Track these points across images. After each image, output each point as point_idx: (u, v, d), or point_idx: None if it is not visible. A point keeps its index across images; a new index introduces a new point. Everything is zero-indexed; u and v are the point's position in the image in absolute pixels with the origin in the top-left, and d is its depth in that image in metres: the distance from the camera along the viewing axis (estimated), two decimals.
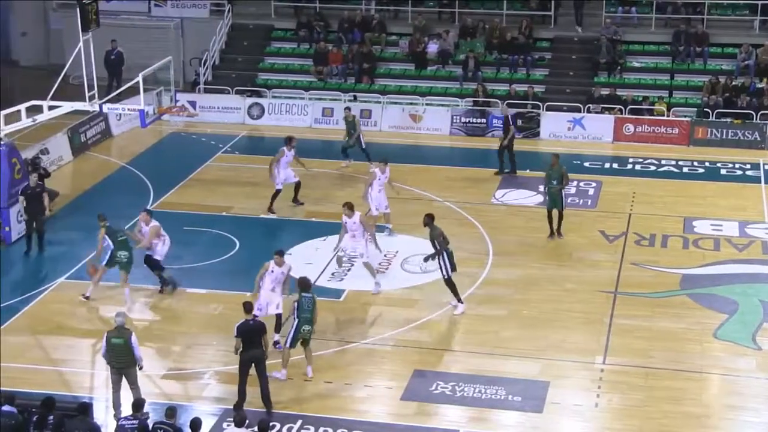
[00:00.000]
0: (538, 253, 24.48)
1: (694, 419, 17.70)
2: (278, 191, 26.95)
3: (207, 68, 37.33)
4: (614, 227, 26.00)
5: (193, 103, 35.32)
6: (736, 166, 30.84)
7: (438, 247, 21.38)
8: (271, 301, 19.95)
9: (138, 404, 15.91)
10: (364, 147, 30.16)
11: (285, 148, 26.98)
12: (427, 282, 22.90)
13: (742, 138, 32.62)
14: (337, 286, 22.72)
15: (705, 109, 33.84)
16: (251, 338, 17.56)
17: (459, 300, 21.50)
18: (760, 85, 34.29)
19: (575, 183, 29.00)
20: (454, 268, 21.40)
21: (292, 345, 18.66)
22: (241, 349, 17.57)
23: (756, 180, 29.78)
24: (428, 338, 20.67)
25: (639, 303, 22.03)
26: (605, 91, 34.99)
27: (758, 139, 32.60)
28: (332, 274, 23.29)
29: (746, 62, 34.92)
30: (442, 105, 35.05)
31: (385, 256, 24.04)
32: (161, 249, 22.20)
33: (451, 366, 19.58)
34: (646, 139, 33.10)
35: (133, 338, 17.50)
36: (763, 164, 30.97)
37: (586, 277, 23.24)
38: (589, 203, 27.90)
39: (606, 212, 27.20)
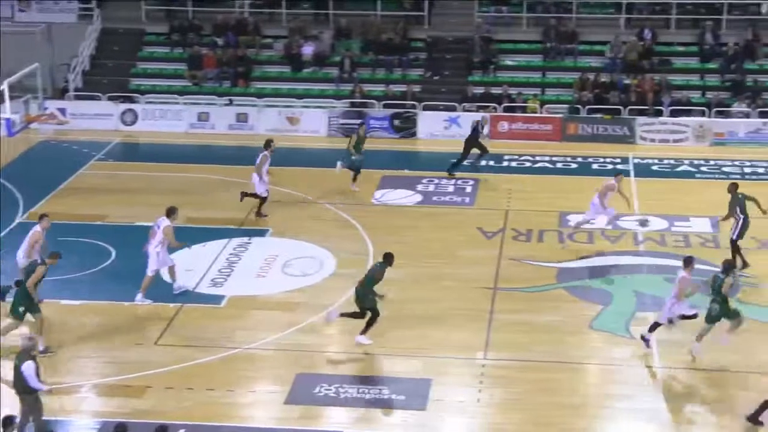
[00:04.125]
0: (418, 252, 24.64)
1: (572, 409, 18.06)
2: (265, 198, 26.36)
3: (77, 74, 36.65)
4: (492, 224, 26.35)
5: (62, 111, 34.69)
6: (607, 161, 31.57)
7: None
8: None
9: (6, 422, 15.02)
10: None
11: (267, 152, 26.35)
12: (308, 285, 22.89)
13: (612, 133, 33.41)
14: (217, 292, 22.53)
15: (576, 106, 34.57)
16: None
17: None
18: (627, 81, 35.16)
19: (453, 181, 29.33)
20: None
21: None
22: None
23: (626, 174, 30.46)
24: (311, 341, 20.63)
25: (518, 298, 22.39)
26: (479, 90, 35.47)
27: (627, 133, 33.43)
28: (212, 280, 23.09)
29: (614, 59, 35.77)
30: (319, 107, 35.08)
31: (265, 260, 23.95)
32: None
33: (335, 368, 19.61)
34: (520, 136, 33.66)
35: (26, 366, 16.11)
36: (633, 158, 31.77)
37: (465, 274, 23.49)
38: (467, 201, 28.22)
39: (484, 209, 27.56)
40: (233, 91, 36.26)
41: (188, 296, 22.15)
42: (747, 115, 33.81)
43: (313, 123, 34.47)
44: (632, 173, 30.49)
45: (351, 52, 36.86)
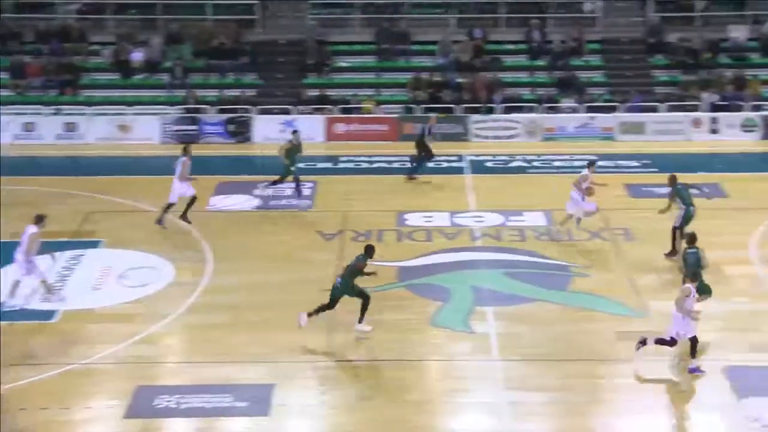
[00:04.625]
0: (258, 257, 24.44)
1: (416, 406, 18.16)
2: (171, 204, 25.75)
3: None
4: (331, 226, 26.33)
5: None
6: (443, 159, 31.94)
7: None
8: None
9: None
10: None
11: (185, 157, 25.71)
12: (146, 295, 22.43)
13: (446, 131, 33.83)
14: (48, 307, 21.81)
15: (411, 105, 34.90)
16: None
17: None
18: (460, 80, 35.69)
19: (291, 184, 29.15)
20: None
21: None
22: None
23: (461, 171, 30.98)
24: (151, 352, 20.20)
25: None
26: (314, 92, 35.46)
27: (462, 131, 33.95)
28: (44, 294, 22.34)
29: (446, 59, 36.26)
30: (152, 114, 34.45)
31: (100, 271, 23.37)
32: None
33: (176, 378, 19.24)
34: (357, 137, 33.80)
35: None
36: (467, 155, 32.24)
37: (307, 277, 23.37)
38: (305, 204, 28.13)
39: (323, 211, 27.53)
40: (61, 99, 35.28)
41: (18, 313, 21.39)
42: (575, 110, 34.73)
43: (145, 130, 33.85)
44: (467, 170, 30.92)
45: (182, 57, 36.35)
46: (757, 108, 34.33)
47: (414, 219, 26.76)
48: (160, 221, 25.84)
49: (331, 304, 20.32)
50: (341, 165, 31.73)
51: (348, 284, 20.26)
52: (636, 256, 24.25)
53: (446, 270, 23.85)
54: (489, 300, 22.07)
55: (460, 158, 32.09)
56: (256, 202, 28.01)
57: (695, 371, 18.83)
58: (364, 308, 20.38)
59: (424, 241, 25.54)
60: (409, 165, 30.27)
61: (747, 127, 33.79)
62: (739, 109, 34.29)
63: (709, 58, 36.33)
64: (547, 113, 34.65)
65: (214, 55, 36.65)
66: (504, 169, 31.21)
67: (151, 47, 36.61)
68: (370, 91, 35.99)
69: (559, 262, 24.07)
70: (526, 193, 28.96)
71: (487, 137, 33.95)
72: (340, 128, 34.10)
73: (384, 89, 36.26)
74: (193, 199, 25.96)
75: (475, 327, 20.90)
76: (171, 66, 36.12)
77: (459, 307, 21.83)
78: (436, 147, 32.67)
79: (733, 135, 33.58)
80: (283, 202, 28.17)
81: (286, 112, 34.54)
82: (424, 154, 30.11)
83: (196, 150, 32.33)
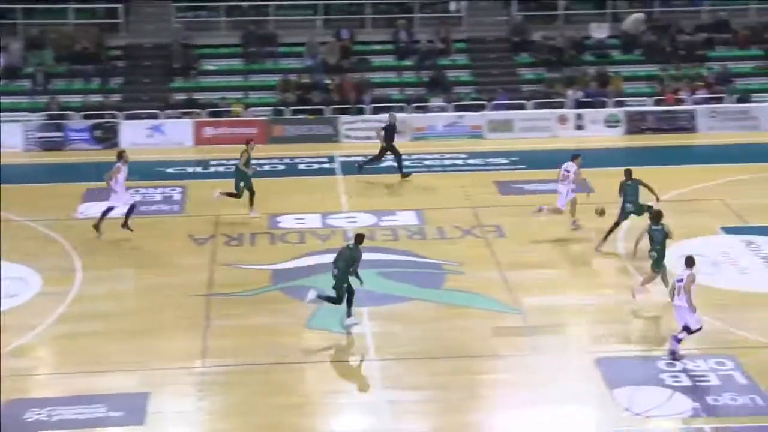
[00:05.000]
0: (129, 264, 24.02)
1: (296, 409, 18.05)
2: (111, 208, 25.14)
3: None
4: (202, 230, 26.02)
5: None
6: (314, 161, 31.90)
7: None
8: None
9: None
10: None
11: (120, 163, 24.93)
12: (14, 306, 21.79)
13: (317, 133, 33.83)
14: None
15: (280, 108, 34.77)
16: None
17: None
18: (328, 81, 35.69)
19: (160, 190, 28.76)
20: None
21: None
22: None
23: (332, 172, 30.98)
24: (21, 364, 19.61)
25: (234, 302, 22.18)
26: (182, 96, 35.02)
27: (332, 132, 33.95)
28: None
29: (314, 60, 36.22)
30: (13, 121, 33.52)
31: None
32: None
33: (47, 390, 18.73)
34: (226, 141, 33.46)
35: None
36: (338, 156, 32.25)
37: (179, 282, 23.07)
38: (176, 209, 27.77)
39: (193, 216, 27.19)
40: None
41: None
42: (444, 109, 35.05)
43: (7, 138, 32.90)
44: (338, 171, 30.93)
45: (44, 63, 35.48)
46: (619, 104, 35.18)
47: (286, 221, 26.64)
48: (125, 224, 25.44)
49: (340, 298, 20.54)
50: (212, 169, 31.40)
51: (342, 277, 20.43)
52: (508, 252, 24.57)
53: (321, 272, 23.73)
54: (364, 300, 22.05)
55: (331, 159, 32.08)
56: (126, 208, 27.46)
57: (677, 342, 19.04)
58: (350, 303, 20.60)
59: (297, 243, 25.45)
60: (396, 166, 30.06)
61: (610, 122, 34.58)
62: (602, 105, 35.09)
63: (573, 55, 37.09)
64: (416, 113, 34.87)
65: (77, 60, 35.88)
66: (375, 169, 31.26)
67: (10, 53, 35.65)
68: (238, 94, 35.73)
69: (432, 261, 24.23)
70: (398, 192, 29.11)
71: (357, 138, 34.01)
72: (209, 132, 33.76)
73: (252, 92, 36.02)
74: (132, 207, 25.54)
75: (351, 327, 20.88)
76: (32, 72, 35.23)
77: (336, 307, 21.74)
78: (305, 149, 32.75)
79: (597, 131, 34.33)
80: (153, 207, 27.73)
81: (153, 116, 34.03)
82: (379, 156, 29.98)
83: (62, 157, 31.86)
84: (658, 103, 35.18)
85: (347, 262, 20.46)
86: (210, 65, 36.92)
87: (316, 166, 31.48)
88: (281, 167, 31.54)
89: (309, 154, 32.43)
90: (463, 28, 38.21)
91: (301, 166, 31.48)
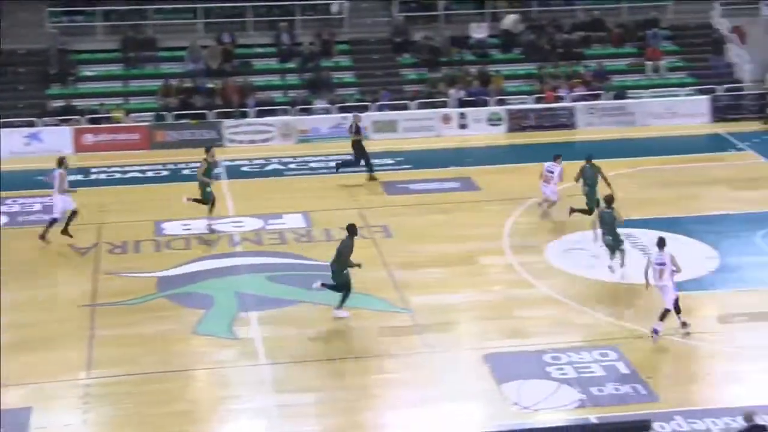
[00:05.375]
0: (8, 276, 23.36)
1: (184, 416, 17.86)
2: (55, 220, 24.65)
3: None
4: (85, 239, 25.54)
5: None
6: (198, 166, 31.43)
7: None
8: None
9: None
10: None
11: (61, 169, 24.47)
12: None
13: (200, 137, 33.50)
14: None
15: (162, 113, 34.34)
16: None
17: None
18: (211, 85, 35.39)
19: (39, 199, 28.16)
20: None
21: None
22: None
23: (217, 177, 30.56)
24: None
25: (119, 311, 21.83)
26: (60, 103, 34.34)
27: (216, 137, 33.65)
28: None
29: (195, 64, 35.89)
30: None
31: None
32: None
33: None
34: (107, 148, 32.98)
35: None
36: (223, 161, 31.95)
37: (63, 293, 22.68)
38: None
39: (76, 225, 26.58)
40: None
41: None
42: (327, 111, 35.06)
43: None
44: (223, 176, 30.69)
45: None
46: (501, 102, 35.65)
47: (172, 228, 26.33)
48: (43, 236, 24.98)
49: (343, 285, 20.96)
50: (93, 177, 30.86)
51: (338, 270, 20.83)
52: (395, 252, 24.69)
53: (207, 277, 23.57)
54: (253, 305, 21.96)
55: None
56: (4, 219, 26.86)
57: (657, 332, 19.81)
58: (344, 297, 20.96)
59: (183, 249, 25.17)
60: (365, 167, 29.89)
61: (493, 120, 35.02)
62: (484, 104, 35.51)
63: (455, 55, 37.44)
64: (301, 115, 34.82)
65: None
66: (260, 172, 31.15)
67: None
68: (118, 100, 35.19)
69: (321, 263, 24.16)
70: (284, 195, 29.01)
71: (241, 142, 33.80)
72: (89, 139, 33.17)
73: (133, 97, 35.52)
74: (73, 213, 25.13)
75: (240, 333, 20.76)
76: None
77: (222, 313, 21.61)
78: (189, 154, 32.34)
79: (480, 129, 34.73)
80: (33, 217, 27.15)
81: (30, 124, 33.31)
82: (358, 153, 29.84)
83: None
84: (538, 100, 35.76)
85: (341, 254, 20.94)
86: (88, 71, 36.27)
87: None
88: (165, 173, 31.16)
89: (193, 159, 31.94)
90: (345, 29, 38.28)
91: (186, 172, 31.12)
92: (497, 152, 32.84)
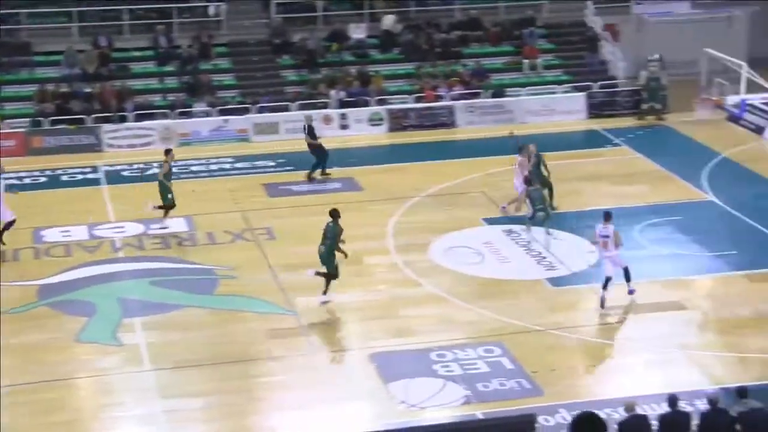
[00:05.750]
0: None
1: (67, 426, 17.60)
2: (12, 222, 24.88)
3: None
4: None
5: None
6: (77, 171, 31.04)
7: None
8: None
9: None
10: None
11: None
12: None
13: (78, 143, 32.87)
14: None
15: (38, 119, 33.64)
16: None
17: None
18: (88, 90, 34.78)
19: None
20: None
21: None
22: None
23: (96, 182, 30.23)
24: None
25: None
26: None
27: (95, 142, 33.08)
28: None
29: (72, 69, 35.25)
30: None
31: None
32: None
33: None
34: None
35: None
36: (102, 166, 31.48)
37: None
38: None
39: None
40: None
41: None
42: (208, 114, 34.76)
43: None
44: (102, 181, 30.22)
45: None
46: (382, 102, 35.81)
47: (51, 235, 25.84)
48: None
49: (335, 269, 21.75)
50: None
51: (326, 255, 21.58)
52: (279, 254, 24.65)
53: (89, 284, 23.20)
54: (137, 310, 21.71)
55: (95, 169, 31.26)
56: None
57: (633, 292, 21.69)
58: (328, 282, 21.75)
59: (63, 256, 24.72)
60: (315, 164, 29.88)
61: (374, 121, 35.16)
62: (365, 104, 35.64)
63: (334, 55, 37.49)
64: (181, 119, 34.45)
65: None
66: (141, 177, 30.70)
67: None
68: None
69: (204, 267, 24.06)
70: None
71: (121, 146, 33.26)
72: None
73: (7, 103, 34.65)
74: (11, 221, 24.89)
75: (124, 339, 20.52)
76: None
77: (106, 320, 21.31)
78: (67, 159, 31.83)
79: (361, 129, 34.83)
80: None
81: None
82: (319, 150, 29.96)
83: None
84: (418, 100, 36.03)
85: (330, 239, 21.38)
86: None
87: (80, 176, 30.63)
88: (43, 179, 30.52)
89: (71, 164, 31.51)
90: (224, 31, 37.98)
91: (64, 178, 30.55)
92: (379, 152, 33.01)
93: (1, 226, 25.04)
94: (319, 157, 30.03)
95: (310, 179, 29.71)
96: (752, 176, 29.41)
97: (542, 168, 26.41)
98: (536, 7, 39.92)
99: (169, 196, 25.97)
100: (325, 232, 21.81)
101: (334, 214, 21.92)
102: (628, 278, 21.61)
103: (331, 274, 21.76)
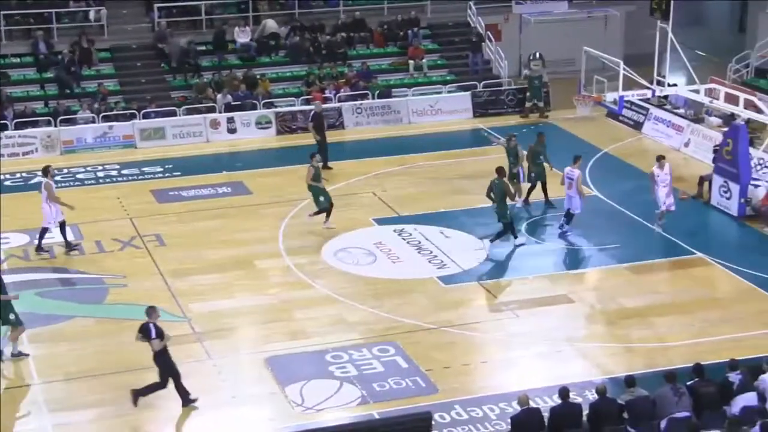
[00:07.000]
0: None
1: None
2: (47, 230, 24.68)
3: None
4: None
5: None
6: None
7: None
8: None
9: None
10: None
11: (48, 179, 23.85)
12: None
13: None
14: None
15: None
16: None
17: None
18: None
19: None
20: None
21: None
22: None
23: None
24: None
25: None
26: None
27: None
28: None
29: None
30: None
31: None
32: None
33: None
34: None
35: None
36: None
37: None
38: None
39: None
40: None
41: None
42: (93, 121, 34.18)
43: None
44: None
45: None
46: (269, 105, 35.69)
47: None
48: (40, 248, 24.80)
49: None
50: None
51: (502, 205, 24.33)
52: (170, 260, 24.41)
53: None
54: (25, 322, 21.23)
55: None
56: None
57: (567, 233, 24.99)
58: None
59: None
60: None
61: (262, 124, 35.00)
62: (253, 107, 35.47)
63: (217, 58, 37.30)
64: (64, 126, 33.80)
65: None
66: (25, 186, 30.02)
67: None
68: None
69: (93, 276, 23.69)
70: None
71: (2, 155, 32.48)
72: None
73: None
74: (43, 231, 24.97)
75: (20, 349, 20.05)
76: None
77: None
78: None
79: (249, 133, 34.63)
80: None
81: None
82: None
83: None
84: (306, 102, 36.00)
85: (500, 194, 24.36)
86: None
87: None
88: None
89: None
90: (106, 36, 37.41)
91: None
92: (267, 155, 32.89)
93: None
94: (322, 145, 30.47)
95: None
96: (632, 171, 30.11)
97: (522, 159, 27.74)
98: (419, 8, 40.23)
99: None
100: (491, 188, 24.32)
101: (500, 171, 24.68)
102: (568, 221, 25.07)
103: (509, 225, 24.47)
